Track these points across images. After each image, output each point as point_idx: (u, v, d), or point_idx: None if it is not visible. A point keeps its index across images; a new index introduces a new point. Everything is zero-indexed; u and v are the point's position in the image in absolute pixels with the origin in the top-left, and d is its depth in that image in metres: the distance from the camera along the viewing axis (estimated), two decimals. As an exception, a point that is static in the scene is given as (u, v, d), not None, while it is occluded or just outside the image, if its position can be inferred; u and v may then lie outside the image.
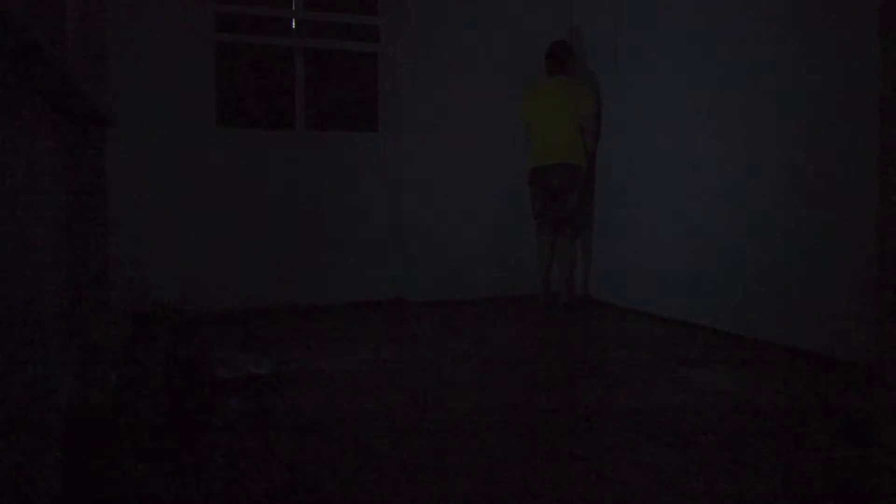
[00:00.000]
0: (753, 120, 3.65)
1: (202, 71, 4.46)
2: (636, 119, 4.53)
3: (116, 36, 4.16)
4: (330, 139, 4.83)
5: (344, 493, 1.84)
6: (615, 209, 4.76)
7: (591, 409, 2.57)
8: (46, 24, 1.66)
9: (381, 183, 4.91)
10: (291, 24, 4.91)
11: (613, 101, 4.76)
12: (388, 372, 3.07)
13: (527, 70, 4.98)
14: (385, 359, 3.31)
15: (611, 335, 3.90)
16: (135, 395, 2.55)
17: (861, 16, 3.08)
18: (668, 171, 4.25)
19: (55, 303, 1.73)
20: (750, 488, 1.87)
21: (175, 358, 3.07)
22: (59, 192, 1.86)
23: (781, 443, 2.21)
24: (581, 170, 4.66)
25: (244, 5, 4.63)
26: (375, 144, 4.94)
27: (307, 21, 4.88)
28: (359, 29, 4.99)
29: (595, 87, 4.89)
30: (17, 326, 1.35)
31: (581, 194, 4.70)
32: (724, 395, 2.72)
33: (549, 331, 4.08)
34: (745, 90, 3.70)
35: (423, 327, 4.07)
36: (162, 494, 1.83)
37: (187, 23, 4.40)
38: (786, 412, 2.53)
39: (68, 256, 2.03)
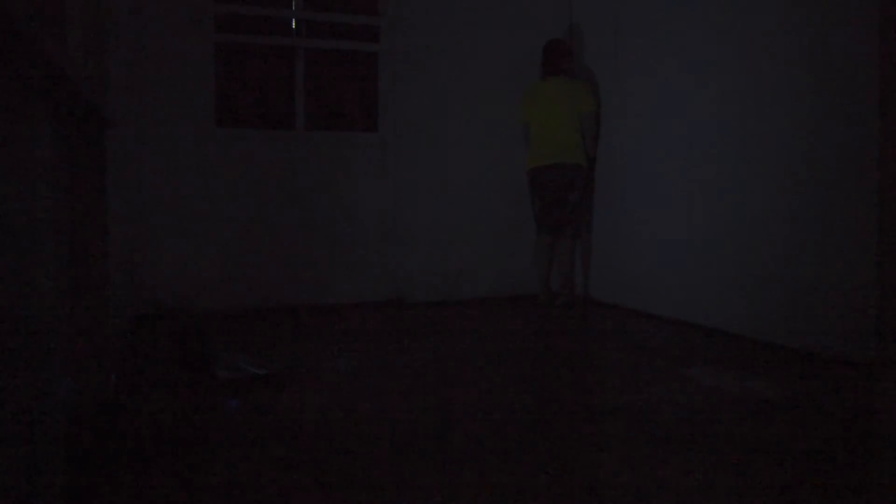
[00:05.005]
0: (754, 119, 3.65)
1: (202, 71, 4.46)
2: (636, 119, 4.53)
3: (116, 36, 4.17)
4: (330, 139, 4.83)
5: (344, 494, 1.84)
6: (615, 209, 4.76)
7: (591, 409, 2.57)
8: (46, 23, 1.66)
9: (381, 183, 4.91)
10: (291, 24, 4.90)
11: (613, 101, 4.76)
12: (387, 372, 3.07)
13: (527, 70, 4.98)
14: (385, 359, 3.31)
15: (610, 335, 3.90)
16: (135, 396, 2.55)
17: (862, 14, 3.08)
18: (668, 171, 4.25)
19: (55, 303, 1.73)
20: (750, 488, 1.87)
21: (175, 358, 3.06)
22: (58, 193, 1.86)
23: (781, 442, 2.21)
24: (581, 170, 4.66)
25: (244, 5, 4.63)
26: (375, 144, 4.94)
27: (307, 21, 4.88)
28: (359, 29, 4.99)
29: (594, 87, 4.89)
30: (17, 326, 1.35)
31: (581, 194, 4.70)
32: (723, 394, 2.72)
33: (548, 331, 4.08)
34: (745, 89, 3.70)
35: (423, 327, 4.07)
36: (163, 495, 1.83)
37: (187, 23, 4.40)
38: (786, 412, 2.52)
39: (68, 256, 2.03)
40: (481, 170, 5.03)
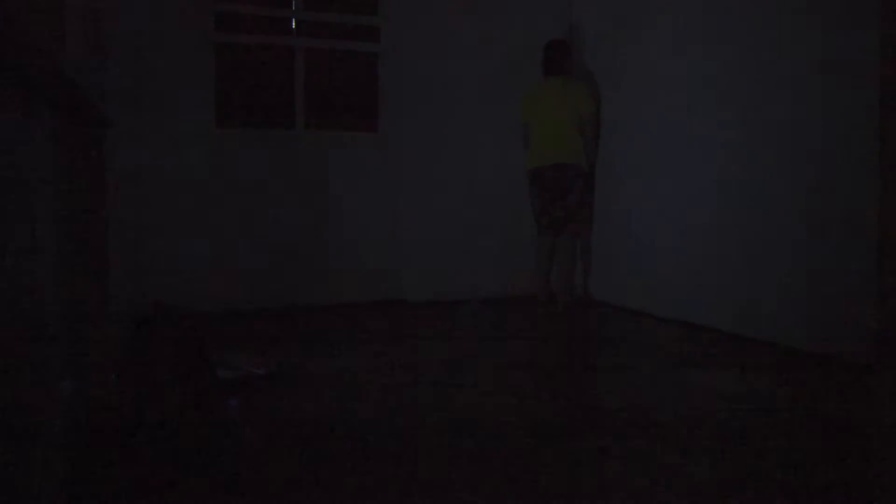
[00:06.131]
0: (753, 119, 3.65)
1: (202, 71, 4.46)
2: (636, 119, 4.52)
3: (116, 36, 4.17)
4: (330, 139, 4.82)
5: (344, 494, 1.84)
6: (615, 209, 4.76)
7: (591, 409, 2.57)
8: (46, 24, 1.66)
9: (381, 183, 4.91)
10: (291, 24, 4.90)
11: (613, 101, 4.76)
12: (387, 372, 3.07)
13: (527, 70, 4.98)
14: (385, 359, 3.30)
15: (611, 335, 3.90)
16: (135, 396, 2.55)
17: (862, 14, 3.08)
18: (668, 171, 4.25)
19: (55, 303, 1.73)
20: (750, 488, 1.87)
21: (175, 358, 3.06)
22: (59, 193, 1.86)
23: (781, 443, 2.21)
24: (581, 170, 4.66)
25: (244, 5, 4.63)
26: (375, 144, 4.93)
27: (307, 21, 4.88)
28: (359, 29, 4.98)
29: (594, 87, 4.89)
30: (17, 327, 1.35)
31: (581, 195, 4.70)
32: (724, 395, 2.72)
33: (548, 331, 4.08)
34: (744, 89, 3.70)
35: (422, 327, 4.07)
36: (162, 495, 1.83)
37: (187, 23, 4.40)
38: (786, 412, 2.52)
39: (68, 256, 2.03)
40: (481, 170, 5.03)
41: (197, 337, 2.75)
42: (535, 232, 4.90)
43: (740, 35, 3.72)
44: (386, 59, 4.94)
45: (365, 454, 2.11)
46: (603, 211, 4.90)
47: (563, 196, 4.64)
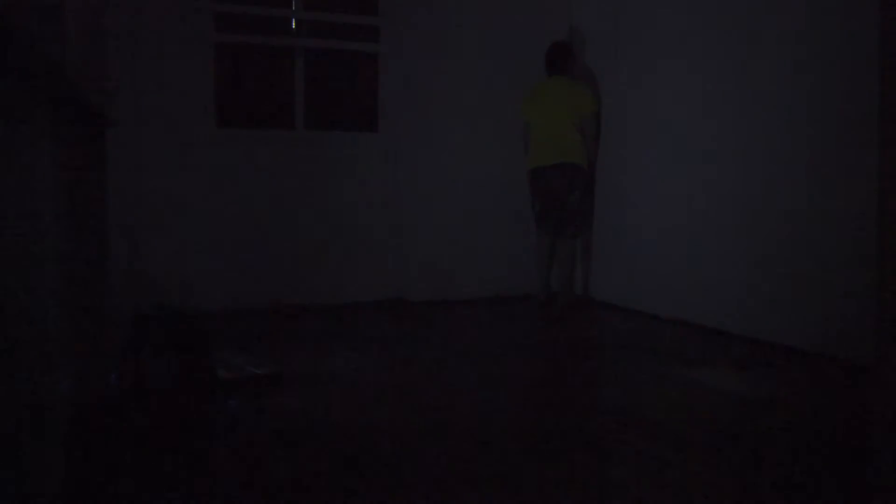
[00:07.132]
0: (753, 119, 3.65)
1: (202, 71, 4.46)
2: (636, 119, 4.53)
3: (116, 36, 4.17)
4: (330, 139, 4.82)
5: (343, 495, 1.84)
6: (615, 209, 4.76)
7: (591, 409, 2.57)
8: (46, 23, 1.66)
9: (381, 183, 4.91)
10: (291, 24, 4.90)
11: (613, 102, 4.76)
12: (387, 372, 3.07)
13: (527, 70, 4.98)
14: (385, 359, 3.30)
15: (611, 335, 3.90)
16: (135, 396, 2.55)
17: (862, 14, 3.08)
18: (668, 171, 4.25)
19: (55, 303, 1.73)
20: (750, 488, 1.87)
21: (175, 358, 3.06)
22: (59, 192, 1.86)
23: (781, 443, 2.21)
24: (581, 170, 4.66)
25: (244, 5, 4.63)
26: (375, 144, 4.93)
27: (307, 21, 4.88)
28: (359, 29, 4.98)
29: (595, 88, 4.89)
30: (17, 326, 1.35)
31: (581, 195, 4.70)
32: (724, 395, 2.72)
33: (548, 331, 4.08)
34: (744, 89, 3.70)
35: (422, 327, 4.07)
36: (162, 495, 1.83)
37: (187, 23, 4.40)
38: (786, 412, 2.53)
39: (68, 256, 2.03)
40: (481, 170, 5.02)
41: (197, 337, 2.75)
42: (535, 232, 4.90)
43: (740, 35, 3.72)
44: (386, 59, 4.94)
45: (365, 454, 2.11)
46: (603, 211, 4.90)
47: (563, 196, 4.64)
